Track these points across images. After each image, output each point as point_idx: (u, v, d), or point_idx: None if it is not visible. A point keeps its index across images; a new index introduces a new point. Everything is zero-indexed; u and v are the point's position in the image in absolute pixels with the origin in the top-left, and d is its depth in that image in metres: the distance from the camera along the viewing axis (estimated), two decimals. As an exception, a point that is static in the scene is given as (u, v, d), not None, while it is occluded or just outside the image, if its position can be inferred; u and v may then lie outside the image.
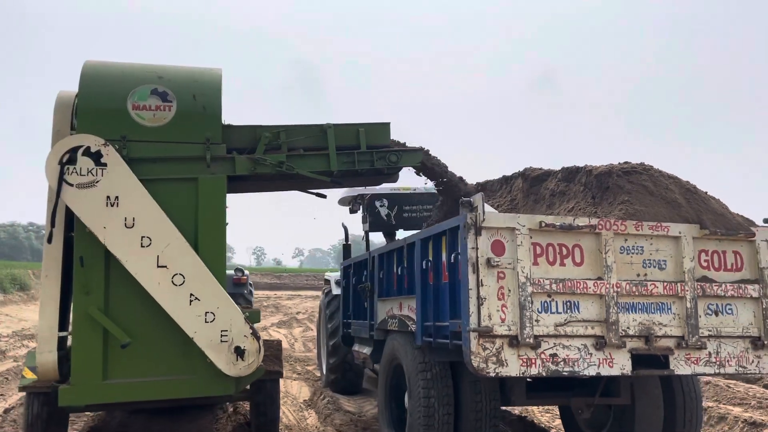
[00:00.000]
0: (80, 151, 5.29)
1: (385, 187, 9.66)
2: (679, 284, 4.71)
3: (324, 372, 9.77)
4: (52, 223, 5.43)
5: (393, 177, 6.56)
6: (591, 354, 4.53)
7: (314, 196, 6.55)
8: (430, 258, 5.32)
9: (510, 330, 4.39)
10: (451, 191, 6.77)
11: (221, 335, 5.34)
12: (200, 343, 5.31)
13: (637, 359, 4.61)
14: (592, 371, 4.52)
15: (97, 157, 5.32)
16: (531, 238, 4.55)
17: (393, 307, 6.29)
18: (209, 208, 5.63)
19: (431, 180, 6.78)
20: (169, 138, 5.61)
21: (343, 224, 10.99)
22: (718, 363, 4.72)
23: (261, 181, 6.32)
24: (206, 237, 5.57)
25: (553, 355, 4.46)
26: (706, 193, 5.13)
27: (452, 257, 4.81)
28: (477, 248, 4.43)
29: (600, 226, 4.63)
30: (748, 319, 4.86)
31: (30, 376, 5.61)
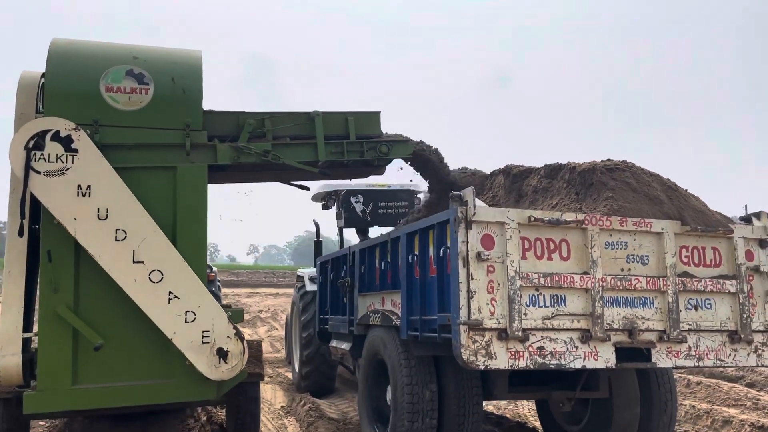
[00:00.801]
0: (48, 135, 4.89)
1: (360, 183, 9.71)
2: (661, 279, 4.82)
3: (296, 370, 9.69)
4: (22, 214, 4.98)
5: (381, 169, 6.42)
6: (577, 347, 4.60)
7: (296, 188, 6.44)
8: (416, 252, 5.34)
9: (499, 323, 4.42)
10: (444, 184, 6.65)
11: (203, 336, 5.02)
12: (180, 345, 4.98)
13: (621, 352, 4.69)
14: (578, 364, 4.59)
15: (67, 143, 4.92)
16: (520, 232, 4.59)
17: (374, 302, 6.29)
18: (189, 199, 5.29)
19: (422, 173, 6.68)
20: (145, 123, 5.26)
21: (314, 221, 10.96)
22: (697, 356, 4.85)
23: (243, 172, 6.08)
24: (185, 231, 5.24)
25: (541, 348, 4.52)
26: (686, 190, 5.27)
27: (441, 251, 4.82)
28: (467, 242, 4.45)
29: (586, 222, 4.70)
30: (725, 314, 5.00)
31: None
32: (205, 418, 7.57)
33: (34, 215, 5.13)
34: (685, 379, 9.24)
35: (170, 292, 4.99)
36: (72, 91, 5.17)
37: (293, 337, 10.22)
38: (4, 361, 4.86)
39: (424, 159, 6.36)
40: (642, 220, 4.85)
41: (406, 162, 6.42)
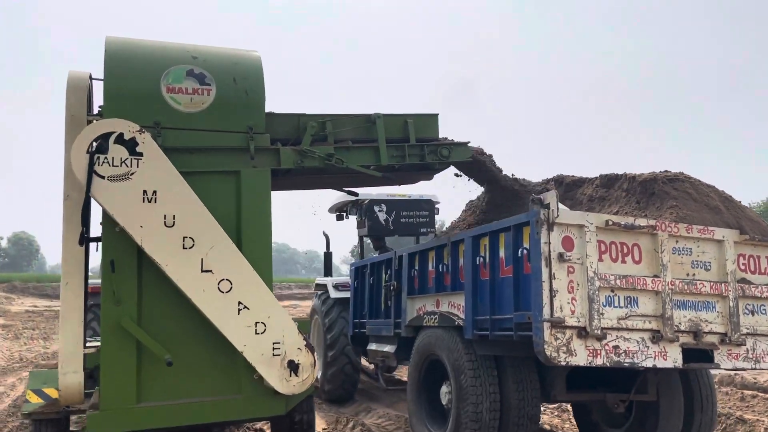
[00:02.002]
0: (112, 138, 4.64)
1: (381, 193, 9.92)
2: (722, 284, 5.09)
3: (319, 374, 9.73)
4: (83, 222, 4.75)
5: (431, 174, 6.39)
6: (648, 347, 4.82)
7: (346, 194, 6.43)
8: (482, 254, 5.52)
9: (579, 321, 4.62)
10: (501, 188, 6.70)
11: (273, 348, 4.83)
12: (250, 358, 4.78)
13: (687, 353, 4.94)
14: (649, 363, 4.81)
15: (131, 146, 4.68)
16: (597, 235, 4.82)
17: (426, 304, 6.44)
18: (253, 205, 5.11)
19: (475, 177, 6.69)
20: (207, 125, 5.07)
21: (324, 233, 11.12)
22: (754, 359, 5.12)
23: (302, 176, 5.97)
24: (251, 238, 5.04)
25: (616, 347, 4.72)
26: (740, 202, 5.59)
27: (519, 252, 5.01)
28: (549, 243, 4.65)
29: (658, 227, 4.96)
30: (779, 319, 5.30)
31: (35, 400, 5.07)
32: None
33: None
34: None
35: (240, 302, 4.80)
36: (132, 91, 4.96)
37: (315, 342, 10.28)
38: (65, 380, 4.53)
39: (481, 164, 6.40)
40: (706, 228, 5.13)
41: (457, 167, 6.40)
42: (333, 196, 10.78)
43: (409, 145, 5.86)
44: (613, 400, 5.81)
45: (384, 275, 7.45)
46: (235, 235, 5.00)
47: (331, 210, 10.96)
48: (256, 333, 4.80)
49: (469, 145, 6.19)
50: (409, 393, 6.55)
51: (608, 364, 4.69)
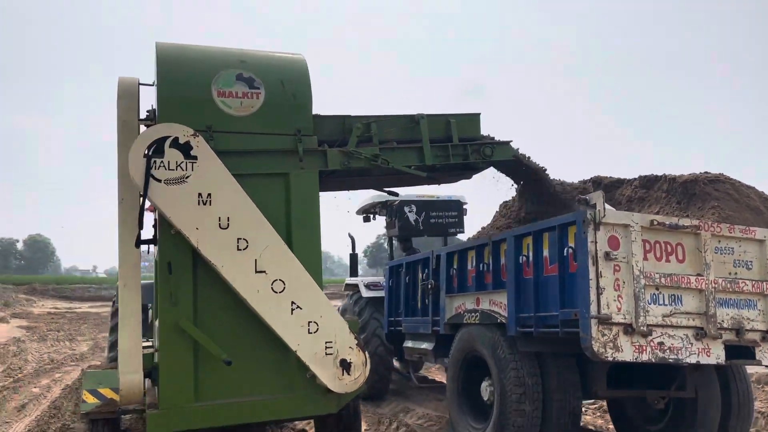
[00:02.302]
0: (167, 142, 4.72)
1: (411, 194, 10.07)
2: (764, 283, 5.20)
3: None
4: (140, 224, 4.80)
5: (473, 173, 6.46)
6: (692, 344, 4.94)
7: (387, 194, 6.52)
8: (525, 254, 5.65)
9: (625, 318, 4.75)
10: (540, 188, 6.76)
11: (326, 347, 4.91)
12: (304, 357, 4.86)
13: (729, 350, 5.04)
14: (692, 359, 4.93)
15: (186, 150, 4.75)
16: (642, 234, 4.94)
17: (466, 302, 6.58)
18: (302, 206, 5.18)
19: (514, 177, 6.69)
20: (257, 129, 5.14)
21: (349, 234, 11.27)
22: (794, 356, 5.22)
23: (347, 177, 6.10)
24: (300, 239, 5.11)
25: (661, 344, 4.85)
26: (779, 202, 5.69)
27: (564, 251, 5.14)
28: (596, 242, 4.78)
29: (701, 227, 5.07)
30: (819, 317, 5.38)
31: (91, 400, 5.11)
32: None
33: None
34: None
35: (293, 302, 4.88)
36: (185, 96, 5.04)
37: None
38: (126, 380, 4.56)
39: (522, 163, 6.46)
40: (748, 228, 5.24)
41: (498, 166, 6.41)
42: (362, 197, 10.96)
43: (453, 144, 5.94)
44: (653, 396, 5.92)
45: (421, 274, 7.59)
46: (285, 237, 5.05)
47: (358, 212, 11.11)
48: (309, 332, 4.88)
49: (510, 144, 6.28)
50: (448, 388, 6.69)
51: (653, 360, 4.80)
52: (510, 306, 5.71)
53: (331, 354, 4.92)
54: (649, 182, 6.01)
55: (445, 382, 9.90)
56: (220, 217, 4.79)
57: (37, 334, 21.85)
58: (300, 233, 5.14)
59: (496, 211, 8.09)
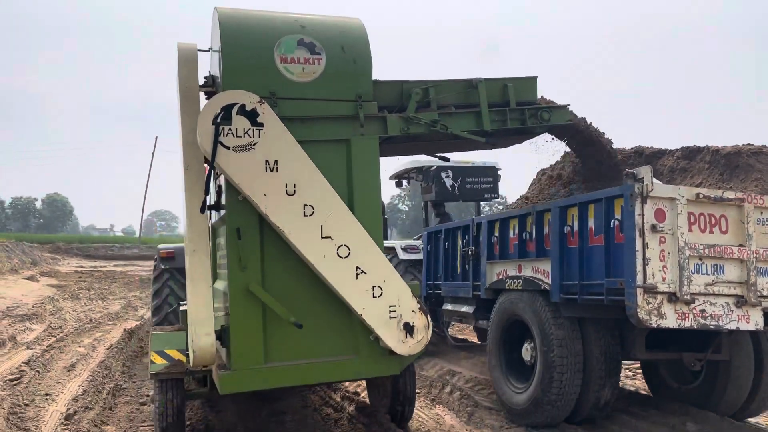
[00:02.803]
0: (234, 109, 4.72)
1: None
2: (803, 253, 5.38)
3: None
4: (207, 191, 4.88)
5: (529, 138, 6.41)
6: (732, 311, 5.17)
7: (439, 159, 6.48)
8: (569, 224, 5.86)
9: (669, 287, 4.98)
10: (594, 152, 6.66)
11: (390, 311, 4.97)
12: (370, 321, 4.92)
13: (767, 317, 5.27)
14: (732, 326, 5.16)
15: (252, 117, 4.76)
16: (687, 207, 5.12)
17: (507, 269, 6.83)
18: (363, 172, 5.17)
19: (569, 142, 6.55)
20: (319, 95, 5.11)
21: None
22: (830, 322, 5.43)
23: (403, 143, 5.99)
24: (362, 205, 5.12)
25: (703, 311, 5.08)
26: (818, 173, 5.82)
27: (611, 223, 5.33)
28: (643, 215, 4.97)
29: (745, 200, 5.24)
30: None
31: (159, 361, 5.21)
32: (339, 397, 7.19)
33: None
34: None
35: (357, 267, 4.94)
36: (249, 63, 5.00)
37: None
38: (199, 342, 4.56)
39: (579, 128, 6.38)
40: (789, 200, 5.39)
41: (553, 131, 6.33)
42: (393, 163, 11.15)
43: (510, 109, 5.91)
44: (690, 359, 6.18)
45: (461, 241, 7.84)
46: (346, 202, 5.08)
47: (392, 177, 11.33)
48: (373, 297, 4.94)
49: (567, 107, 6.19)
50: (490, 350, 7.00)
51: (695, 327, 5.05)
52: (554, 273, 5.94)
53: (394, 317, 4.98)
54: (691, 153, 6.14)
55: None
56: (287, 184, 4.81)
57: (68, 292, 22.21)
58: (361, 199, 5.14)
59: (534, 178, 8.24)
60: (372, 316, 4.94)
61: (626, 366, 8.72)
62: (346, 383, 7.53)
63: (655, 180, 5.09)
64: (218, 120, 4.67)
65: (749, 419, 6.60)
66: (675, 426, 6.03)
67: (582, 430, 6.02)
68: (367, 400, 6.67)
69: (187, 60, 5.14)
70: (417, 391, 7.25)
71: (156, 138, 55.21)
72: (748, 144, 5.76)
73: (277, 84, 5.01)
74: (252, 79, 4.92)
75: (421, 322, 5.04)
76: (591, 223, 5.61)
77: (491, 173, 10.35)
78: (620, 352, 6.01)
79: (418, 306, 5.07)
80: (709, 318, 5.09)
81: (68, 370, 9.33)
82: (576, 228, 5.77)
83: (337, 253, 4.91)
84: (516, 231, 6.71)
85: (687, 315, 5.03)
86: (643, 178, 5.00)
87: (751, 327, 5.21)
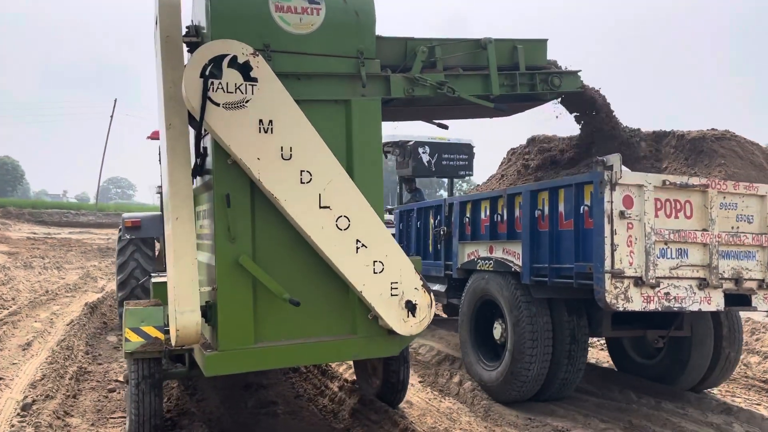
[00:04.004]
0: (225, 61, 4.21)
1: (423, 135, 10.24)
2: (763, 236, 5.61)
3: None
4: (197, 153, 4.51)
5: (536, 105, 6.20)
6: (695, 293, 5.37)
7: (437, 126, 6.21)
8: (540, 208, 5.98)
9: (636, 272, 5.14)
10: (602, 126, 6.49)
11: (391, 288, 4.61)
12: (370, 298, 4.56)
13: (728, 298, 5.50)
14: (695, 307, 5.38)
15: (245, 70, 4.26)
16: (654, 193, 5.27)
17: (478, 249, 6.95)
18: (365, 136, 4.73)
19: (576, 111, 6.35)
20: (317, 49, 4.64)
21: None
22: (787, 301, 5.71)
23: (405, 107, 5.67)
24: (363, 172, 4.71)
25: (667, 294, 5.27)
26: (781, 158, 6.04)
27: (581, 208, 5.46)
28: (612, 202, 5.10)
29: (709, 185, 5.41)
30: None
31: (135, 339, 4.84)
32: (336, 386, 6.62)
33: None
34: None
35: (358, 240, 4.54)
36: (240, 10, 4.50)
37: None
38: (183, 319, 4.14)
39: (589, 96, 6.22)
40: (751, 185, 5.59)
41: (559, 99, 6.15)
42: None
43: (520, 73, 5.62)
44: (653, 336, 6.43)
45: (433, 220, 7.91)
46: (345, 170, 4.67)
47: None
48: (374, 272, 4.57)
49: (578, 73, 5.94)
50: (461, 327, 7.16)
51: (660, 309, 5.25)
52: (524, 256, 6.08)
53: (396, 295, 4.63)
54: (658, 137, 6.29)
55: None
56: (282, 147, 4.35)
57: (21, 260, 20.55)
58: (362, 166, 4.73)
59: (504, 158, 8.33)
60: (372, 294, 4.57)
61: (592, 342, 9.03)
62: (341, 368, 7.23)
63: (624, 167, 5.21)
64: (207, 73, 4.16)
65: (708, 390, 6.96)
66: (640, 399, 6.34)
67: (553, 405, 6.24)
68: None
69: (169, 6, 4.61)
70: (421, 380, 7.20)
71: (115, 101, 53.06)
72: (712, 129, 5.92)
73: (271, 35, 4.53)
74: (244, 29, 4.43)
75: (425, 300, 4.71)
76: (561, 208, 5.73)
77: (466, 150, 10.39)
78: (587, 330, 6.22)
79: (421, 283, 4.73)
80: (673, 300, 5.29)
81: (23, 349, 8.38)
82: (546, 212, 5.89)
83: (336, 225, 4.49)
84: (488, 212, 6.81)
85: (652, 298, 5.21)
86: (612, 165, 5.12)
87: (712, 308, 5.43)
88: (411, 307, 4.66)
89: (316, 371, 6.89)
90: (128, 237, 9.91)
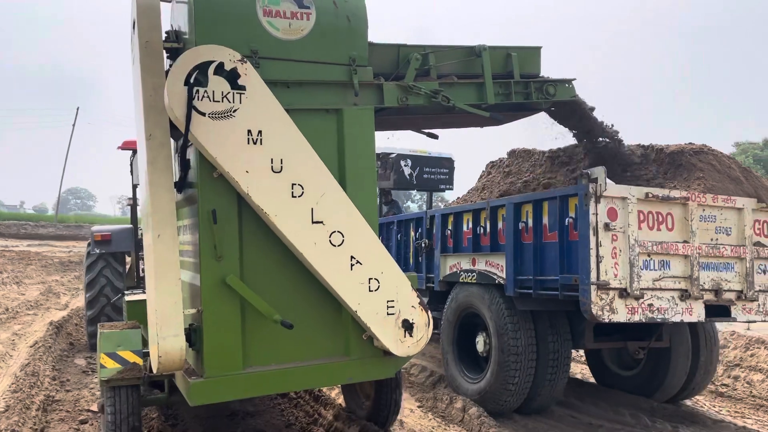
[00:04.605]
0: (211, 68, 3.98)
1: (404, 148, 10.24)
2: (741, 248, 5.73)
3: None
4: (183, 166, 4.25)
5: (528, 115, 6.14)
6: (677, 304, 5.45)
7: (427, 136, 6.02)
8: (524, 220, 6.01)
9: (621, 283, 5.20)
10: (594, 136, 6.49)
11: (387, 306, 4.37)
12: (365, 318, 4.31)
13: (708, 309, 5.59)
14: (677, 318, 5.45)
15: (232, 78, 4.04)
16: (637, 206, 5.34)
17: (461, 262, 6.95)
18: (357, 148, 4.52)
19: (566, 122, 6.37)
20: (307, 56, 4.42)
21: None
22: (764, 312, 5.83)
23: (396, 117, 5.51)
24: (355, 185, 4.48)
25: (650, 305, 5.34)
26: (756, 172, 6.18)
27: (565, 221, 5.50)
28: (597, 214, 5.16)
29: (690, 198, 5.51)
30: (787, 277, 5.99)
31: (111, 365, 4.53)
32: (331, 415, 5.95)
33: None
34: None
35: (352, 257, 4.30)
36: (226, 14, 4.26)
37: None
38: (166, 345, 3.83)
39: (579, 106, 6.20)
40: (729, 198, 5.71)
41: (548, 109, 6.09)
42: None
43: (515, 81, 5.50)
44: (633, 347, 6.51)
45: (413, 233, 7.90)
46: (337, 182, 4.45)
47: None
48: (369, 290, 4.33)
49: (572, 83, 5.85)
50: (444, 340, 7.14)
51: (643, 320, 5.30)
52: (508, 268, 6.10)
53: (393, 314, 4.39)
54: (640, 150, 6.39)
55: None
56: (272, 159, 4.12)
57: None
58: (354, 178, 4.50)
59: (483, 171, 8.36)
60: (368, 313, 4.33)
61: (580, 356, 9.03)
62: (333, 393, 6.82)
63: (608, 180, 5.27)
64: (192, 80, 3.92)
65: (683, 401, 7.07)
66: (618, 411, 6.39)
67: (541, 417, 6.24)
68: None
69: (148, 10, 4.33)
70: (419, 404, 6.88)
71: (77, 109, 52.02)
72: (690, 143, 6.05)
73: (259, 41, 4.29)
74: (230, 34, 4.19)
75: (422, 318, 4.48)
76: (545, 220, 5.78)
77: (447, 164, 10.40)
78: (570, 342, 6.26)
79: (418, 300, 4.50)
80: (656, 312, 5.36)
81: (-17, 376, 7.53)
82: (530, 224, 5.92)
83: (330, 241, 4.25)
84: (470, 225, 6.83)
85: (636, 309, 5.27)
86: (597, 178, 5.18)
87: (693, 319, 5.52)
88: (408, 327, 4.44)
89: (308, 396, 6.54)
90: (98, 251, 9.59)
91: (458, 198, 8.70)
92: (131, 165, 10.23)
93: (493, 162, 8.25)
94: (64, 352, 9.61)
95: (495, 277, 6.32)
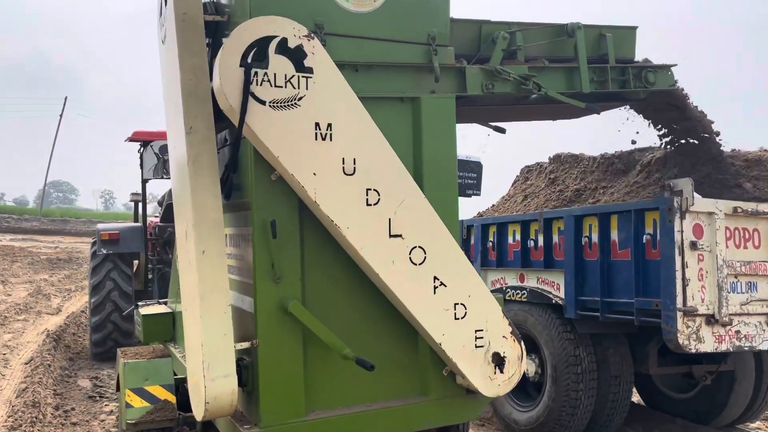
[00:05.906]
0: (272, 45, 3.19)
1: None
2: (829, 267, 5.18)
3: None
4: (232, 167, 3.51)
5: (621, 105, 5.45)
6: (765, 330, 4.92)
7: (494, 130, 5.15)
8: (587, 235, 5.41)
9: (708, 309, 4.65)
10: (692, 136, 5.73)
11: (476, 338, 3.66)
12: (450, 352, 3.60)
13: (794, 334, 5.05)
14: (765, 346, 4.92)
15: (298, 58, 3.25)
16: (725, 221, 4.77)
17: (506, 277, 6.35)
18: (437, 144, 3.76)
19: (659, 117, 5.66)
20: (379, 32, 3.63)
21: None
22: None
23: (481, 107, 4.77)
24: (435, 190, 3.71)
25: (738, 332, 4.79)
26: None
27: (643, 237, 4.91)
28: (682, 231, 4.59)
29: (780, 213, 4.95)
30: None
31: (139, 404, 3.87)
32: None
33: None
34: None
35: (435, 278, 3.56)
36: None
37: None
38: (215, 388, 3.13)
39: (678, 97, 5.47)
40: (819, 212, 5.16)
41: (631, 102, 5.38)
42: None
43: (612, 67, 4.74)
44: (700, 371, 5.96)
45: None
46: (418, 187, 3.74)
47: None
48: (455, 318, 3.61)
49: (671, 68, 5.08)
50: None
51: (731, 349, 4.78)
52: (568, 287, 5.53)
53: (481, 346, 3.67)
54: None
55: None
56: (344, 159, 3.36)
57: None
58: (434, 182, 3.74)
59: (517, 176, 7.75)
60: (453, 346, 3.60)
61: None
62: None
63: (697, 195, 4.70)
64: (249, 60, 3.15)
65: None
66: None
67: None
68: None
69: None
70: None
71: (65, 99, 50.26)
72: (764, 149, 5.50)
73: (325, 12, 3.50)
74: (291, 3, 3.41)
75: (514, 351, 3.77)
76: (614, 236, 5.20)
77: (476, 169, 9.72)
78: (632, 367, 5.71)
79: (510, 330, 3.77)
80: (743, 339, 4.82)
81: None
82: (595, 240, 5.34)
83: (410, 259, 3.50)
84: (517, 237, 6.22)
85: (723, 338, 4.73)
86: (681, 191, 4.60)
87: (781, 346, 4.98)
88: (499, 361, 3.71)
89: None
90: (104, 252, 8.81)
91: (492, 206, 8.05)
92: (141, 158, 9.53)
93: (529, 167, 7.64)
94: (65, 370, 8.58)
95: (551, 296, 5.74)
